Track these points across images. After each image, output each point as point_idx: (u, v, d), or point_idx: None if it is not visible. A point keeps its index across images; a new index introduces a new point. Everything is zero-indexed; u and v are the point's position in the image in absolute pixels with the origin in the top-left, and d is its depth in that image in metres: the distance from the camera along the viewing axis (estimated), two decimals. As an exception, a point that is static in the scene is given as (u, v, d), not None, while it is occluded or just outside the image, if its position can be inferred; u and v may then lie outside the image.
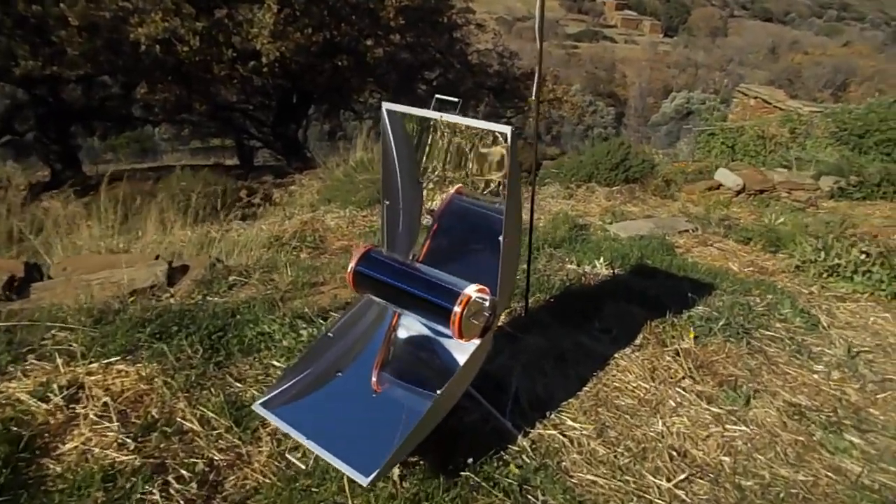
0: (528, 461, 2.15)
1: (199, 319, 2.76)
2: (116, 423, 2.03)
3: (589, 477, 2.11)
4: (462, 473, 2.02)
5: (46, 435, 1.97)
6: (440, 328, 2.10)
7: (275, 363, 2.55)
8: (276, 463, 2.02)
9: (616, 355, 2.83)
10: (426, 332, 2.27)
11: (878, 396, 2.79)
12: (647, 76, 38.62)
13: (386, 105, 2.06)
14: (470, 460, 2.03)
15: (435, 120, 1.99)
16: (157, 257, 3.79)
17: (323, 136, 23.15)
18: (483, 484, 1.98)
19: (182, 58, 9.94)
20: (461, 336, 1.90)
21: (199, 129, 18.20)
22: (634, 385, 2.65)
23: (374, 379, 2.17)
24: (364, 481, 1.69)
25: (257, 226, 6.78)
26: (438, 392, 1.88)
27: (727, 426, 2.42)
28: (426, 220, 2.38)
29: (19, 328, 2.56)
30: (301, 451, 2.07)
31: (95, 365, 2.31)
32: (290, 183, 10.37)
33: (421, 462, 2.03)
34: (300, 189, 9.40)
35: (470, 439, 2.18)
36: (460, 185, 2.35)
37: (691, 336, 2.98)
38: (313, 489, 1.91)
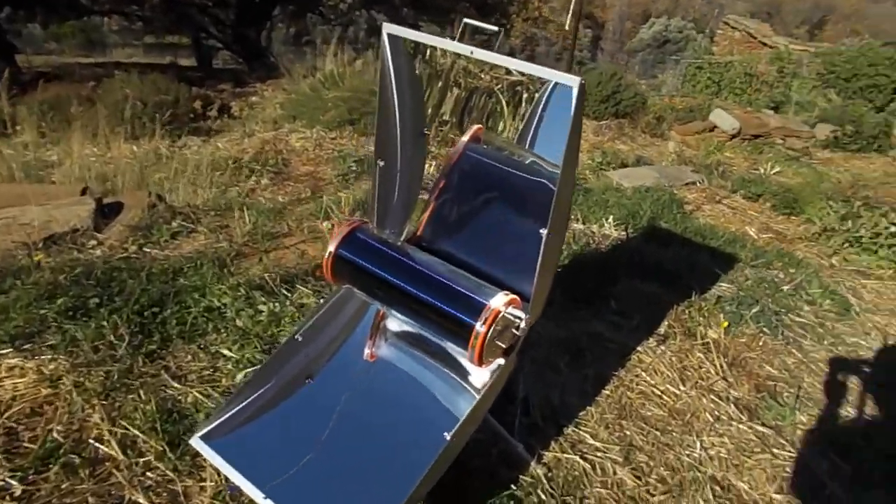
0: (544, 499, 1.72)
1: (130, 287, 2.16)
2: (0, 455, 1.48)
3: (619, 524, 1.70)
4: (468, 526, 1.57)
5: None
6: (441, 340, 1.58)
7: (225, 352, 2.01)
8: (224, 506, 1.52)
9: (639, 349, 2.39)
10: (422, 334, 1.74)
11: (922, 403, 2.45)
12: (628, -1, 36.81)
13: (387, 27, 1.43)
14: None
15: (459, 55, 1.38)
16: (84, 189, 3.10)
17: (288, 39, 21.52)
18: (495, 541, 1.55)
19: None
20: (480, 362, 1.39)
21: (152, 24, 16.46)
22: (662, 389, 2.22)
23: (350, 370, 1.66)
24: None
25: (213, 143, 6.02)
26: (448, 436, 1.39)
27: (774, 450, 2.03)
28: (428, 184, 1.79)
29: None
30: (237, 491, 1.58)
31: (-24, 358, 1.73)
32: (251, 93, 9.41)
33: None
34: (262, 101, 8.50)
35: (474, 472, 1.72)
36: (478, 126, 1.73)
37: (723, 326, 2.55)
38: (273, 551, 1.43)
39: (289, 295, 2.32)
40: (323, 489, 1.43)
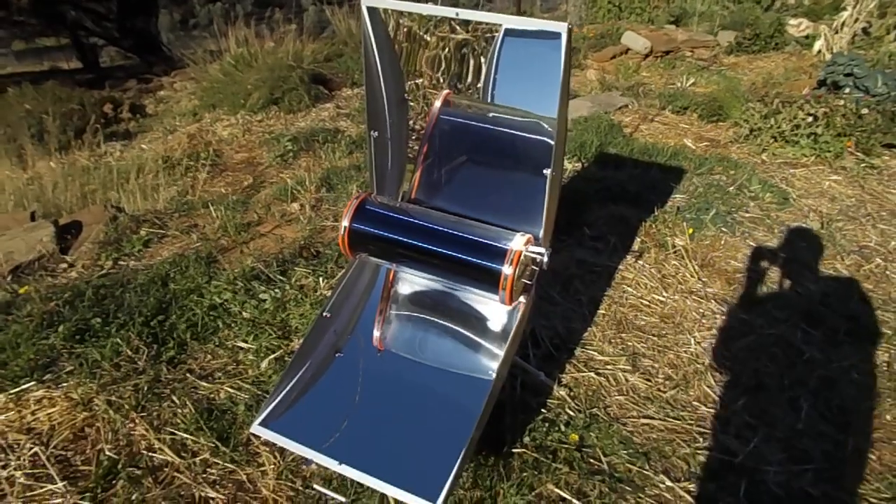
0: (573, 414, 1.89)
1: (126, 300, 2.14)
2: (61, 483, 1.50)
3: (643, 421, 1.89)
4: (514, 451, 1.72)
5: (-37, 521, 1.42)
6: (469, 289, 1.68)
7: (241, 344, 2.04)
8: (290, 484, 1.60)
9: (620, 267, 2.58)
10: (435, 284, 1.84)
11: (863, 268, 2.77)
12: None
13: (366, 0, 1.46)
14: (525, 437, 1.72)
15: (432, 16, 1.44)
16: (32, 215, 2.96)
17: (175, 26, 20.31)
18: (542, 458, 1.70)
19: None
20: (511, 301, 1.51)
21: (20, 28, 15.11)
22: (649, 299, 2.42)
23: (375, 346, 1.75)
24: (434, 510, 1.33)
25: (137, 146, 5.77)
26: (493, 373, 1.51)
27: (756, 332, 2.28)
28: (413, 147, 1.86)
29: None
30: (312, 463, 1.66)
31: (1, 398, 1.70)
32: (157, 88, 8.95)
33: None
34: (174, 95, 8.11)
35: (507, 405, 1.86)
36: (447, 91, 1.81)
37: (689, 233, 2.77)
38: (349, 511, 1.53)
39: (285, 279, 2.35)
40: (387, 445, 1.52)
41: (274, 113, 5.74)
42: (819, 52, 7.23)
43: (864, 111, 4.07)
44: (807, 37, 8.20)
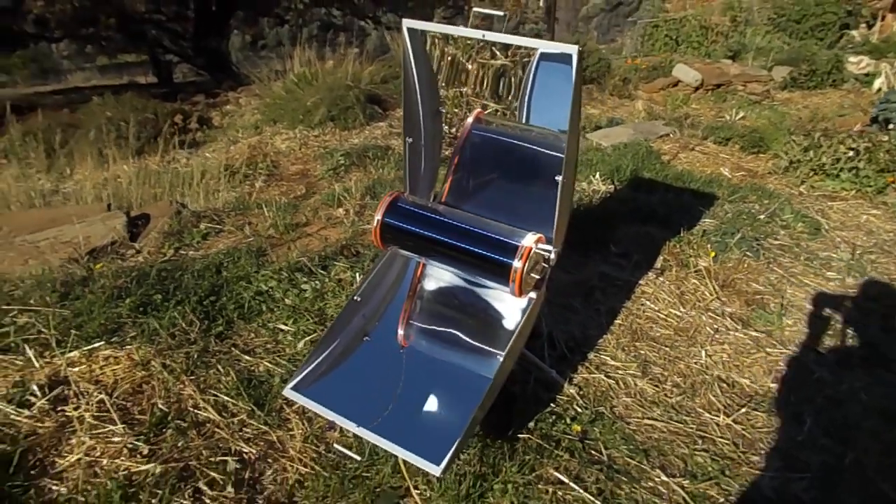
0: (580, 410, 2.01)
1: (184, 282, 2.40)
2: (121, 425, 1.73)
3: (646, 421, 2.00)
4: (520, 436, 1.86)
5: (39, 449, 1.66)
6: (486, 282, 1.85)
7: (282, 327, 2.26)
8: (314, 447, 1.79)
9: (641, 282, 2.69)
10: (458, 281, 2.02)
11: (887, 301, 2.79)
12: (581, -36, 36.99)
13: (407, 22, 1.68)
14: (531, 424, 1.86)
15: (463, 38, 1.64)
16: (108, 206, 3.31)
17: (245, 46, 21.39)
18: (545, 445, 1.83)
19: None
20: (521, 293, 1.67)
21: (104, 45, 16.30)
22: (666, 313, 2.53)
23: (400, 333, 1.94)
24: (436, 471, 1.49)
25: (202, 154, 6.20)
26: (501, 357, 1.67)
27: (768, 349, 2.35)
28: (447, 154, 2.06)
29: (-34, 313, 2.15)
30: (335, 428, 1.85)
31: (76, 353, 1.96)
32: (224, 102, 9.51)
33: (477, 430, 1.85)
34: (238, 109, 8.63)
35: (519, 398, 2.00)
36: (479, 110, 2.02)
37: (711, 255, 2.86)
38: (364, 474, 1.71)
39: (325, 273, 2.57)
40: (401, 417, 1.69)
41: (330, 129, 6.07)
42: (879, 89, 7.13)
43: (908, 148, 4.05)
44: (867, 74, 8.08)
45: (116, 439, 1.69)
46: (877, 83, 7.38)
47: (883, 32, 10.61)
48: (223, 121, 8.11)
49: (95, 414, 1.76)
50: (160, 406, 1.83)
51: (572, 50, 1.47)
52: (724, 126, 5.43)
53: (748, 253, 2.96)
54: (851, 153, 4.03)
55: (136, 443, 1.68)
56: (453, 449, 1.51)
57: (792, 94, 8.07)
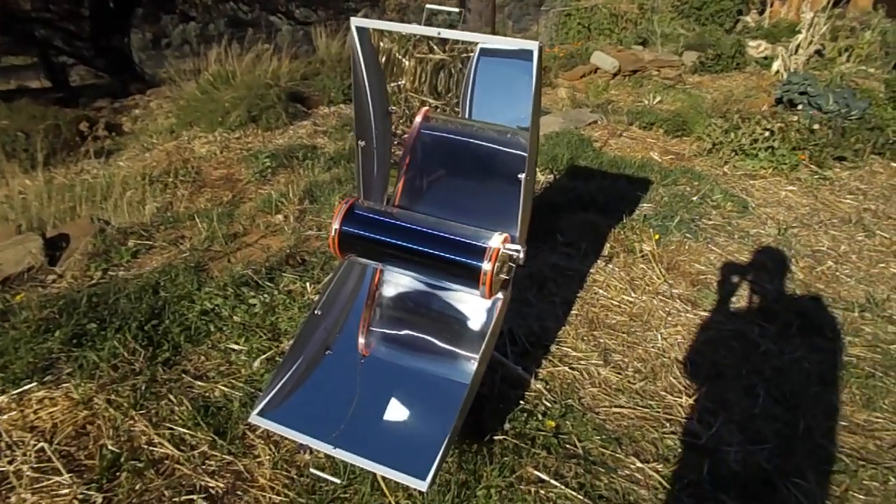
0: (549, 405, 2.02)
1: (120, 307, 2.22)
2: (67, 474, 1.57)
3: (614, 410, 2.03)
4: (496, 438, 1.84)
5: (-27, 512, 1.48)
6: (450, 285, 1.81)
7: (234, 346, 2.13)
8: (285, 472, 1.70)
9: (591, 270, 2.73)
10: (419, 285, 1.97)
11: (815, 270, 2.97)
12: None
13: (355, 21, 1.60)
14: (506, 425, 1.85)
15: (411, 35, 1.58)
16: (18, 228, 3.01)
17: (146, 46, 20.22)
18: (521, 444, 1.82)
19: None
20: (490, 296, 1.64)
21: (-12, 47, 14.94)
22: (619, 300, 2.58)
23: (361, 342, 1.87)
24: (422, 486, 1.44)
25: (115, 163, 5.80)
26: (475, 363, 1.63)
27: (717, 328, 2.45)
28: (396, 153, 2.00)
29: None
30: (307, 450, 1.76)
31: (3, 398, 1.77)
32: (132, 106, 8.96)
33: (451, 435, 1.81)
34: (149, 113, 8.14)
35: (487, 397, 1.98)
36: (426, 108, 1.97)
37: (655, 238, 2.95)
38: (342, 496, 1.64)
39: (273, 285, 2.45)
40: (378, 433, 1.63)
41: (252, 130, 5.83)
42: (777, 72, 7.61)
43: (816, 127, 4.34)
44: (765, 58, 8.60)
45: (64, 491, 1.53)
46: (775, 65, 7.86)
47: (773, 18, 11.32)
48: (134, 126, 7.63)
49: (35, 465, 1.58)
50: (110, 447, 1.68)
51: (533, 46, 1.45)
52: (646, 111, 5.63)
53: (687, 234, 3.08)
54: (767, 133, 4.27)
55: (88, 492, 1.53)
56: (437, 460, 1.47)
57: (702, 78, 8.48)
